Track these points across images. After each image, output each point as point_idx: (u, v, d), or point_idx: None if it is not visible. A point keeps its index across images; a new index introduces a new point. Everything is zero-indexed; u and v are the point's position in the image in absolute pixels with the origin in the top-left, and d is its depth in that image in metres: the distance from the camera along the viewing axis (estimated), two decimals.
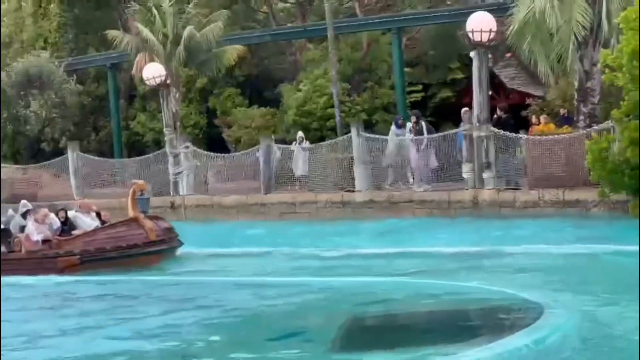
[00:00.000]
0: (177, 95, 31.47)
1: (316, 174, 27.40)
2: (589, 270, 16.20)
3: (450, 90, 34.66)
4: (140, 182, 21.93)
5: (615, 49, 21.00)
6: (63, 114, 37.87)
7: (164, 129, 31.23)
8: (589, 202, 21.82)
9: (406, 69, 33.33)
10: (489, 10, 25.73)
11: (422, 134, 25.58)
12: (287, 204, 27.04)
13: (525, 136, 24.35)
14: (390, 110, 33.41)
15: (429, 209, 24.41)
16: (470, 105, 24.75)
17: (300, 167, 28.04)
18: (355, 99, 33.54)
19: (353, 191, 26.10)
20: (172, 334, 12.71)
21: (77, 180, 32.16)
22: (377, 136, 27.15)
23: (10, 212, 21.34)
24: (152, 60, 31.12)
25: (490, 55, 26.38)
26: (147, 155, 32.44)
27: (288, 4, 39.03)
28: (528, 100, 29.01)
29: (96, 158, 33.39)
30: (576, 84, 24.38)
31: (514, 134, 24.18)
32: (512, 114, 27.12)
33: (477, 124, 23.94)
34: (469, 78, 26.64)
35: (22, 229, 20.22)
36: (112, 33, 33.05)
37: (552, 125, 24.98)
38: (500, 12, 26.27)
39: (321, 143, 28.81)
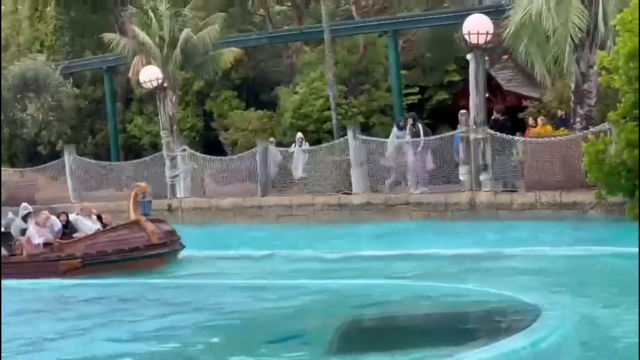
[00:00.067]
0: (174, 98, 31.47)
1: (313, 176, 27.41)
2: (587, 273, 16.20)
3: (447, 93, 34.64)
4: (143, 184, 21.89)
5: (612, 51, 21.04)
6: (59, 117, 37.82)
7: (161, 132, 31.24)
8: (586, 204, 21.84)
9: (403, 72, 33.32)
10: (485, 13, 25.79)
11: (419, 136, 25.59)
12: (284, 206, 27.05)
13: (522, 138, 24.37)
14: (387, 112, 33.41)
15: (426, 211, 24.43)
16: (467, 108, 24.77)
17: (300, 169, 28.04)
18: (352, 102, 33.54)
19: (350, 194, 26.11)
20: (171, 337, 12.72)
21: (73, 183, 32.16)
22: (373, 139, 27.17)
23: (11, 215, 21.28)
24: (148, 63, 31.13)
25: (487, 58, 26.40)
26: (144, 159, 32.43)
27: (284, 7, 39.03)
28: (525, 103, 29.04)
29: (93, 161, 33.38)
30: (573, 86, 24.42)
31: (511, 136, 24.20)
32: (509, 116, 27.15)
33: (474, 126, 23.96)
34: (465, 80, 26.69)
35: (23, 232, 20.14)
36: (108, 36, 33.05)
37: (549, 127, 25.01)
38: (497, 14, 26.31)
39: (318, 146, 28.83)
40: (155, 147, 34.36)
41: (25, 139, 38.25)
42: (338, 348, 11.85)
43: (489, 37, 23.86)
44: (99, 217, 20.99)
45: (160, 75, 30.30)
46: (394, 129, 26.76)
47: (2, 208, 24.20)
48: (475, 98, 24.00)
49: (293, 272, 18.41)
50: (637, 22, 19.95)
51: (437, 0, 37.05)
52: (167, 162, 30.33)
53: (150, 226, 20.16)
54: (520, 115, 28.47)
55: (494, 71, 32.83)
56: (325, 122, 32.37)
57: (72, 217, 20.71)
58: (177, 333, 13.00)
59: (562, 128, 24.36)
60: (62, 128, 38.12)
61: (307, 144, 29.09)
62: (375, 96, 34.03)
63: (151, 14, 31.57)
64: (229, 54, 32.63)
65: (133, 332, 13.23)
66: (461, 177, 24.38)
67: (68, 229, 20.33)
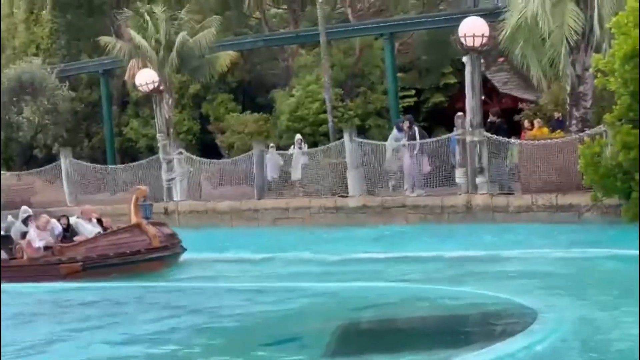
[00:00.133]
0: (170, 101, 31.48)
1: (310, 179, 27.43)
2: (583, 275, 16.21)
3: (443, 95, 34.70)
4: (143, 187, 21.84)
5: (607, 54, 21.08)
6: (55, 120, 37.84)
7: (157, 135, 31.23)
8: (582, 207, 21.86)
9: (399, 74, 33.37)
10: (481, 15, 25.80)
11: (415, 139, 25.60)
12: (280, 209, 27.05)
13: (518, 141, 24.39)
14: (383, 115, 33.46)
15: (422, 214, 24.44)
16: (463, 110, 24.78)
17: (299, 170, 28.05)
18: (348, 105, 33.58)
19: (346, 196, 26.12)
20: (169, 340, 12.72)
21: (70, 186, 32.14)
22: (370, 141, 27.20)
23: (10, 218, 21.22)
24: (144, 66, 31.14)
25: (482, 60, 26.45)
26: (140, 162, 32.43)
27: (280, 10, 39.06)
28: (521, 105, 29.08)
29: (89, 164, 33.37)
30: (568, 88, 24.46)
31: (507, 139, 24.22)
32: (505, 118, 27.18)
33: (470, 129, 23.98)
34: (461, 83, 26.67)
35: (24, 235, 20.09)
36: (104, 39, 33.07)
37: (545, 130, 25.05)
38: (493, 17, 26.35)
39: (314, 149, 28.86)
40: (152, 150, 34.37)
41: (21, 142, 38.26)
42: (335, 351, 11.87)
43: (485, 39, 23.88)
44: (99, 221, 20.95)
45: (157, 79, 30.31)
46: (394, 131, 26.74)
47: (1, 211, 24.12)
48: (471, 100, 24.01)
49: (290, 275, 18.41)
50: (632, 25, 19.99)
51: (433, 2, 37.09)
52: (164, 165, 30.33)
53: (151, 229, 20.10)
54: (516, 117, 28.51)
55: (490, 74, 32.90)
56: (321, 124, 32.41)
57: (72, 220, 20.65)
58: (175, 336, 13.01)
59: (558, 130, 24.39)
60: (58, 131, 38.14)
61: (306, 145, 29.12)
62: (371, 99, 34.08)
63: (147, 17, 31.59)
64: (225, 57, 32.67)
65: (130, 335, 13.24)
66: (457, 180, 24.41)
67: (69, 232, 20.28)
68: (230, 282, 17.93)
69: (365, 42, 34.74)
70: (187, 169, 30.14)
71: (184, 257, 20.72)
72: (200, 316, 14.51)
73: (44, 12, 40.72)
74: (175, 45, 31.00)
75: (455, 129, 24.97)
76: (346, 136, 26.60)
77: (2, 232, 20.64)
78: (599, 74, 21.04)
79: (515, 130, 26.95)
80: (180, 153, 30.36)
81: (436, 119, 32.85)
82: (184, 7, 33.36)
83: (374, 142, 27.29)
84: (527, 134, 25.58)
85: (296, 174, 28.21)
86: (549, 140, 23.37)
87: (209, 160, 30.50)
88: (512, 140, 24.32)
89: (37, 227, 19.84)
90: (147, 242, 19.88)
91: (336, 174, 26.74)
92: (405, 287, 16.03)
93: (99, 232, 20.31)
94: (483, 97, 25.78)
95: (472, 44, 23.72)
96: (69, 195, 32.00)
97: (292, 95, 33.81)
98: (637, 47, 19.76)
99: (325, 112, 31.82)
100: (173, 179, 30.01)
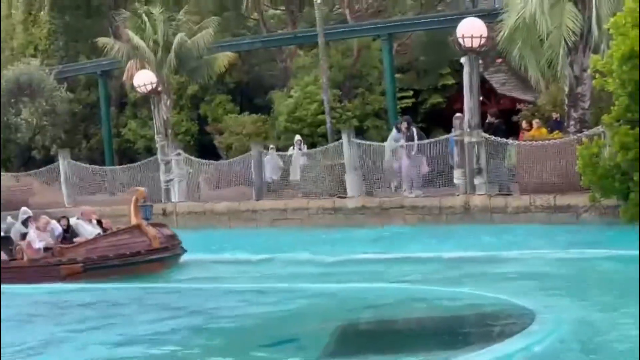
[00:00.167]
0: (168, 102, 31.47)
1: (308, 180, 27.42)
2: (581, 276, 16.21)
3: (441, 96, 34.73)
4: (142, 189, 21.83)
5: (605, 55, 21.09)
6: (54, 121, 37.83)
7: (155, 136, 31.23)
8: (580, 207, 21.87)
9: (397, 75, 33.39)
10: (479, 16, 25.81)
11: (413, 140, 25.61)
12: (279, 210, 27.05)
13: (517, 142, 24.40)
14: (381, 116, 33.48)
15: (420, 214, 24.44)
16: (461, 111, 24.79)
17: (298, 171, 28.04)
18: (346, 105, 33.60)
19: (345, 197, 26.12)
20: (167, 341, 12.72)
21: (68, 187, 32.13)
22: (368, 142, 27.21)
23: (10, 219, 21.19)
24: (142, 67, 31.13)
25: (480, 61, 26.46)
26: (138, 163, 32.43)
27: (278, 11, 39.07)
28: (519, 106, 29.10)
29: (87, 165, 33.36)
30: (566, 89, 24.46)
31: (505, 140, 24.23)
32: (503, 119, 27.19)
33: (468, 130, 23.98)
34: (459, 84, 26.70)
35: (23, 236, 20.08)
36: (102, 40, 33.05)
37: (544, 130, 25.07)
38: (491, 17, 26.36)
39: (313, 150, 28.87)
40: (150, 151, 34.38)
41: (19, 143, 38.25)
42: (334, 351, 11.87)
43: (483, 40, 23.89)
44: (99, 222, 20.94)
45: (155, 80, 30.30)
46: (393, 132, 26.74)
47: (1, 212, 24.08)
48: (469, 101, 24.01)
49: (289, 276, 18.41)
50: (630, 25, 20.00)
51: (431, 3, 37.12)
52: (162, 166, 30.33)
53: (151, 230, 20.09)
54: (514, 118, 28.52)
55: (488, 74, 32.93)
56: (319, 125, 32.42)
57: (72, 221, 20.63)
58: (174, 337, 13.01)
59: (557, 131, 24.40)
60: (56, 132, 38.14)
61: (305, 146, 29.11)
62: (369, 100, 34.10)
63: (145, 18, 31.58)
64: (223, 58, 32.67)
65: (129, 336, 13.23)
66: (456, 181, 24.41)
67: (69, 233, 20.27)
68: (229, 283, 17.93)
69: (363, 43, 34.76)
70: (185, 170, 30.13)
71: (184, 258, 20.72)
72: (199, 317, 14.50)
73: (42, 13, 40.71)
74: (173, 46, 31.00)
75: (453, 129, 24.97)
76: (344, 137, 26.59)
77: (2, 233, 20.62)
78: (597, 75, 21.05)
79: (513, 131, 26.96)
80: (179, 154, 30.36)
81: (434, 119, 32.87)
82: (182, 8, 33.35)
83: (372, 143, 27.29)
84: (526, 134, 25.61)
85: (295, 175, 28.21)
86: (547, 141, 23.38)
87: (207, 161, 30.50)
88: (510, 141, 24.33)
89: (37, 228, 19.84)
90: (147, 244, 19.86)
91: (334, 175, 26.74)
92: (403, 288, 16.03)
93: (99, 234, 20.30)
94: (481, 98, 25.79)
95: (470, 45, 23.74)
96: (67, 196, 31.99)
97: (291, 96, 33.82)
98: (635, 48, 19.77)
99: (323, 113, 31.83)
100: (171, 180, 30.01)
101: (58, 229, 20.12)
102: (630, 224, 19.88)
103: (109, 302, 16.85)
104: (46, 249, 19.63)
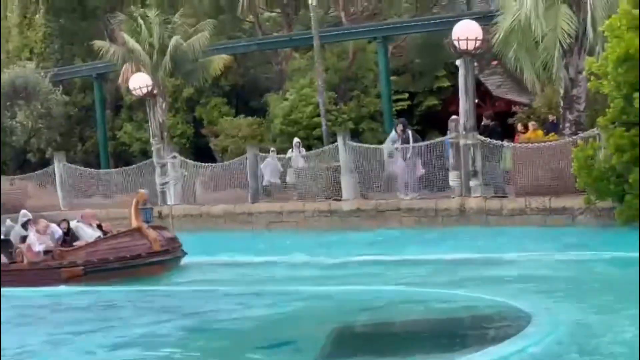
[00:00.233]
0: (164, 105, 31.46)
1: (304, 183, 27.42)
2: (577, 278, 16.23)
3: (437, 99, 34.74)
4: (143, 191, 21.79)
5: (601, 57, 21.13)
6: (49, 124, 37.80)
7: (151, 139, 31.23)
8: (575, 210, 21.89)
9: (392, 78, 33.39)
10: (474, 19, 25.84)
11: (408, 142, 25.61)
12: (274, 213, 27.05)
13: (512, 144, 24.42)
14: (377, 119, 33.49)
15: (416, 217, 24.45)
16: (456, 113, 24.80)
17: (293, 174, 28.01)
18: (342, 108, 33.60)
19: (340, 200, 26.13)
20: (164, 343, 12.72)
21: (63, 190, 32.11)
22: (363, 145, 27.22)
23: (9, 222, 21.15)
24: (138, 70, 31.12)
25: (476, 63, 26.47)
26: (134, 166, 32.42)
27: (274, 14, 39.07)
28: (514, 108, 29.12)
29: (83, 168, 33.34)
30: (562, 91, 24.49)
31: (501, 142, 24.25)
32: (499, 121, 27.21)
33: (464, 132, 24.01)
34: (455, 86, 26.72)
35: (23, 239, 20.05)
36: (98, 43, 33.02)
37: (540, 132, 25.10)
38: (486, 20, 26.38)
39: (308, 152, 28.87)
40: (145, 154, 34.37)
41: (14, 146, 38.18)
42: (330, 354, 11.89)
43: (478, 42, 23.93)
44: (99, 226, 20.91)
45: (150, 82, 30.31)
46: (392, 134, 26.70)
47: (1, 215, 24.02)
48: (464, 104, 24.04)
49: (285, 278, 18.42)
50: (625, 28, 20.04)
51: (426, 6, 37.15)
52: (157, 169, 30.32)
53: (152, 233, 20.06)
54: (510, 121, 28.54)
55: (484, 77, 32.95)
56: (315, 128, 32.42)
57: (72, 224, 20.59)
58: (170, 339, 13.01)
59: (552, 133, 24.43)
60: (51, 135, 38.11)
61: (303, 149, 29.11)
62: (364, 102, 34.11)
63: (140, 21, 31.56)
64: (219, 61, 32.66)
65: (125, 339, 13.23)
66: (451, 183, 24.42)
67: (69, 236, 20.24)
68: (225, 286, 17.92)
69: (359, 45, 34.78)
70: (180, 173, 30.13)
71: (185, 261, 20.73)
72: (196, 320, 14.50)
73: (37, 16, 40.69)
74: (169, 49, 30.98)
75: (448, 132, 24.99)
76: (340, 140, 26.59)
77: (2, 236, 20.57)
78: (592, 77, 21.09)
79: (508, 133, 26.99)
80: (174, 157, 30.35)
81: (430, 122, 32.88)
82: (178, 11, 33.34)
83: (367, 145, 27.30)
84: (521, 137, 25.62)
85: (291, 177, 28.21)
86: (542, 144, 23.40)
87: (202, 164, 30.50)
88: (506, 143, 24.35)
89: (37, 231, 19.82)
90: (147, 246, 19.84)
91: (330, 177, 26.74)
92: (400, 290, 16.04)
93: (100, 236, 20.26)
94: (476, 101, 25.81)
95: (465, 47, 23.77)
96: (62, 199, 31.98)
97: (286, 99, 33.83)
98: (630, 51, 19.81)
99: (319, 115, 31.83)
100: (167, 182, 30.00)
101: (58, 231, 20.10)
102: (626, 226, 19.93)
103: (106, 304, 16.85)
104: (46, 251, 19.60)
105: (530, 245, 19.60)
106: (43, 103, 37.20)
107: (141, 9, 33.46)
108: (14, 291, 17.85)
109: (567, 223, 21.80)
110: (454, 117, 24.98)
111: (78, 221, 20.88)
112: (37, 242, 19.55)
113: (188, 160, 30.83)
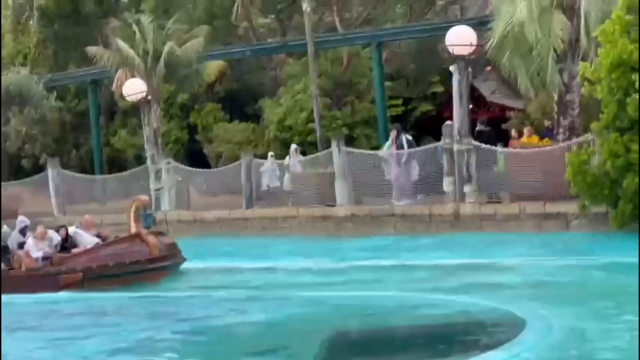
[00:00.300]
0: (158, 111, 31.45)
1: (298, 188, 27.40)
2: (571, 283, 16.25)
3: (431, 104, 34.73)
4: (143, 197, 21.70)
5: (594, 62, 21.16)
6: (43, 130, 37.77)
7: (145, 145, 31.18)
8: (570, 215, 21.90)
9: (386, 83, 33.38)
10: (468, 25, 25.85)
11: (402, 148, 25.62)
12: (269, 219, 27.02)
13: (506, 149, 24.44)
14: (371, 124, 33.47)
15: (410, 222, 24.43)
16: (451, 119, 24.80)
17: (288, 180, 27.97)
18: (336, 114, 33.58)
19: (334, 206, 26.11)
20: (157, 349, 12.71)
21: (57, 196, 32.04)
22: (358, 150, 27.22)
23: (6, 228, 21.07)
24: (132, 76, 31.10)
25: (470, 69, 26.47)
26: (128, 171, 32.37)
27: (268, 19, 39.08)
28: (508, 114, 29.14)
29: (77, 174, 33.28)
30: (556, 97, 24.51)
31: (495, 147, 24.27)
32: (493, 127, 27.23)
33: (458, 138, 24.02)
34: (449, 92, 26.74)
35: (21, 245, 19.99)
36: (92, 49, 32.98)
37: (536, 138, 25.10)
38: (480, 26, 26.39)
39: (303, 158, 28.85)
40: (140, 160, 34.31)
41: (8, 152, 38.14)
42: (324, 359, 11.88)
43: (472, 48, 23.95)
44: (98, 235, 20.83)
45: (144, 88, 30.29)
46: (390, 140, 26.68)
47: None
48: (459, 109, 24.06)
49: (279, 284, 18.41)
50: (619, 33, 20.09)
51: (420, 12, 37.17)
52: (152, 175, 30.28)
53: (151, 239, 20.01)
54: (504, 126, 28.56)
55: (478, 82, 32.94)
56: (309, 134, 32.40)
57: (71, 230, 20.52)
58: (164, 345, 13.00)
59: (546, 139, 24.45)
60: (45, 141, 38.06)
61: (300, 155, 29.08)
62: (359, 108, 34.08)
63: (135, 27, 31.55)
64: (213, 67, 32.71)
65: (121, 344, 13.22)
66: (445, 189, 24.41)
67: (68, 242, 20.17)
68: (219, 292, 17.91)
69: (353, 51, 34.77)
70: (175, 179, 30.10)
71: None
72: (191, 325, 14.49)
73: (31, 22, 40.67)
74: (163, 55, 30.95)
75: (443, 137, 24.98)
76: (334, 145, 26.57)
77: (1, 243, 20.46)
78: (586, 83, 21.12)
79: (502, 138, 27.00)
80: (168, 163, 30.33)
81: (424, 128, 32.85)
82: (172, 17, 33.32)
83: (362, 151, 27.30)
84: (516, 142, 25.63)
85: (288, 183, 28.17)
86: (536, 149, 23.42)
87: (197, 169, 30.47)
88: (500, 148, 24.37)
89: (35, 237, 19.77)
90: (147, 252, 19.79)
91: (324, 183, 26.71)
92: (394, 295, 16.05)
93: (98, 242, 20.20)
94: (471, 106, 25.82)
95: (459, 53, 23.79)
96: (56, 205, 31.91)
97: (280, 105, 33.82)
98: (623, 56, 19.85)
99: (313, 121, 31.81)
100: (161, 188, 29.96)
101: (56, 238, 20.03)
102: (620, 231, 19.95)
103: (103, 310, 16.83)
104: (45, 258, 19.54)
105: (525, 250, 19.62)
106: (37, 109, 37.16)
107: (135, 15, 33.43)
108: (12, 297, 17.79)
109: (562, 228, 21.81)
110: (447, 122, 24.99)
111: (77, 227, 20.83)
112: (35, 249, 19.50)
113: (182, 166, 30.81)
